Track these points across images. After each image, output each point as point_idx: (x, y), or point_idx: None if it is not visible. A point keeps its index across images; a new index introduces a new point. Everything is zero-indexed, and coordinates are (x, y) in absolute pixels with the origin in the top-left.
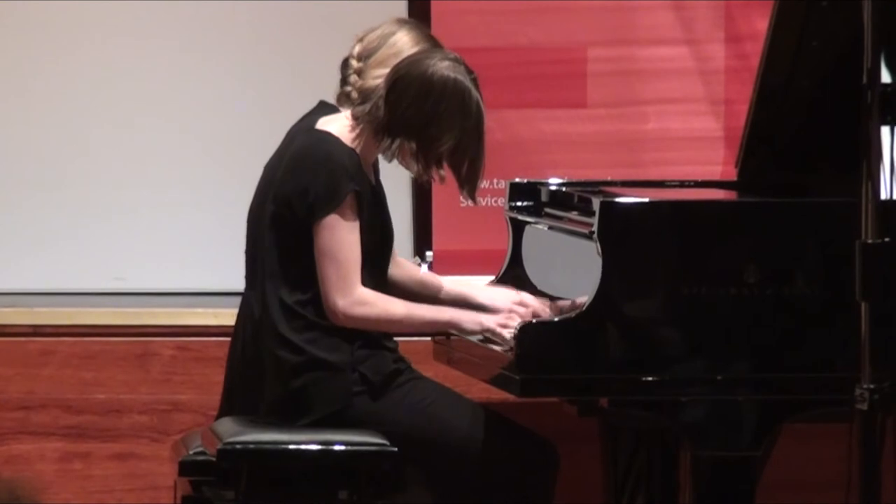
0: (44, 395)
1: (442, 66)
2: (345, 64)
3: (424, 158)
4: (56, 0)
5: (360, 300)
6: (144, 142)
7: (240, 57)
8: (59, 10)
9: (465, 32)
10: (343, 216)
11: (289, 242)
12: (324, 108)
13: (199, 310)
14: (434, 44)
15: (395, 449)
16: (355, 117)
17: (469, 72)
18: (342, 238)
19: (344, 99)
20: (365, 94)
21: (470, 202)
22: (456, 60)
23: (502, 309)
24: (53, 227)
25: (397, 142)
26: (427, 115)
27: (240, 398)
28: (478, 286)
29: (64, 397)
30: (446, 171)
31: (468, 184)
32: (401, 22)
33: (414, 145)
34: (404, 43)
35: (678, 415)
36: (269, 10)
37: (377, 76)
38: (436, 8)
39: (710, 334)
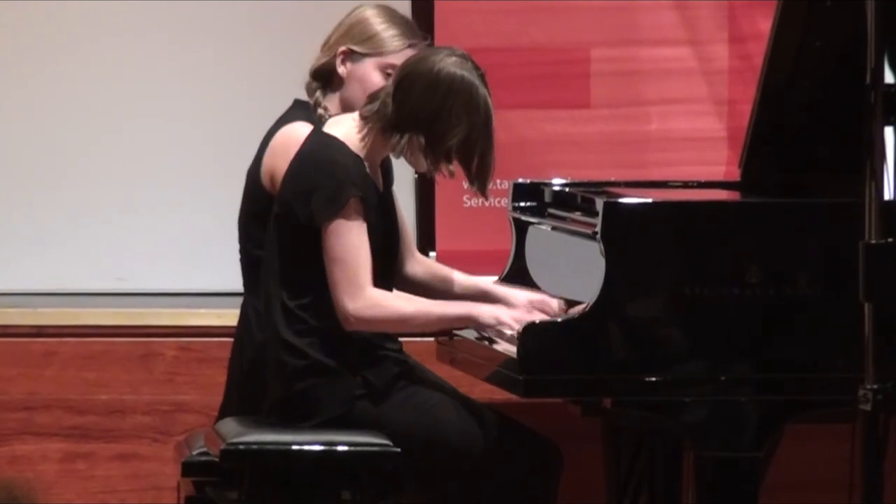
0: (47, 396)
1: (449, 63)
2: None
3: (433, 153)
4: (56, 0)
5: (370, 302)
6: (147, 142)
7: (242, 56)
8: (59, 10)
9: (468, 33)
10: (348, 219)
11: (291, 246)
12: (298, 107)
13: (202, 310)
14: (404, 21)
15: (398, 449)
16: (363, 117)
17: (476, 68)
18: (348, 242)
19: (308, 87)
20: (318, 76)
21: (482, 198)
22: (463, 57)
23: (520, 305)
24: (56, 228)
25: (406, 137)
26: (435, 110)
27: (241, 400)
28: (496, 286)
29: (67, 398)
30: (455, 167)
31: (479, 180)
32: (366, 5)
33: (423, 140)
34: (366, 17)
35: (681, 415)
36: (272, 9)
37: (328, 55)
38: (439, 8)
39: (713, 335)
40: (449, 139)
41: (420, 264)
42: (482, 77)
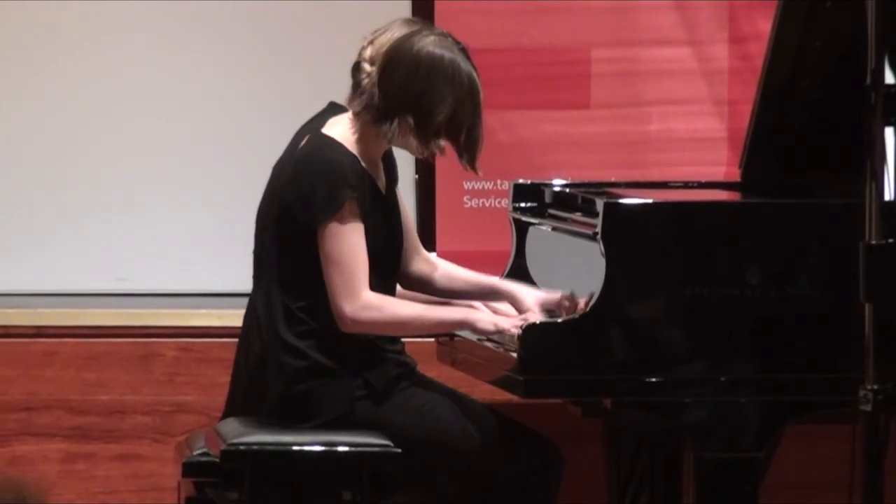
0: (47, 397)
1: (427, 41)
2: (357, 68)
3: (423, 132)
4: (57, 0)
5: (366, 305)
6: (148, 142)
7: (245, 56)
8: (61, 9)
9: (468, 33)
10: (343, 222)
11: (291, 247)
12: (333, 109)
13: (203, 311)
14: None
15: (399, 450)
16: (355, 113)
17: (456, 43)
18: (345, 243)
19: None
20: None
21: (471, 171)
22: (442, 35)
23: (524, 305)
24: (56, 228)
25: (395, 122)
26: (419, 90)
27: (244, 400)
28: (504, 282)
29: (67, 398)
30: (445, 144)
31: (467, 153)
32: (410, 22)
33: (411, 121)
34: None
35: (681, 416)
36: (274, 9)
37: None
38: (439, 8)
39: (713, 335)
40: (435, 117)
41: (427, 262)
42: (464, 51)
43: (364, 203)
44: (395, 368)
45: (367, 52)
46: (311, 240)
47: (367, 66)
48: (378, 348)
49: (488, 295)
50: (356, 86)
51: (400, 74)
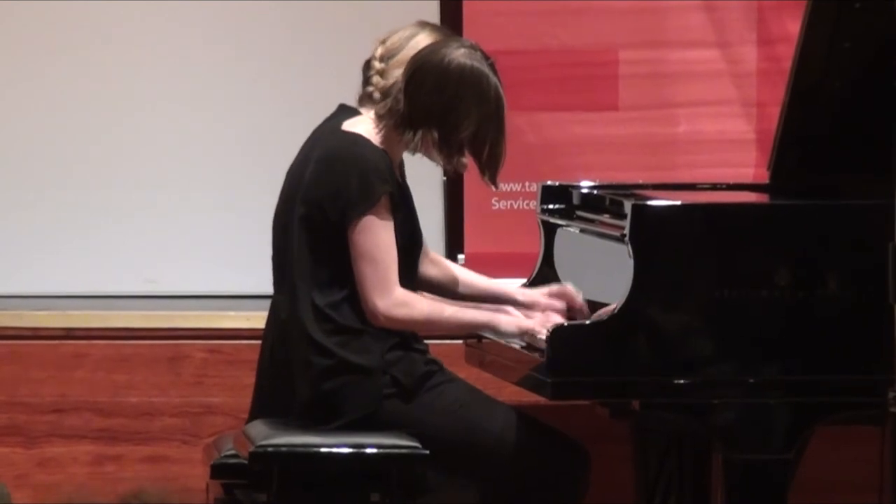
0: (76, 398)
1: (458, 54)
2: (367, 65)
3: (447, 147)
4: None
5: (400, 301)
6: (177, 144)
7: (274, 57)
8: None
9: (496, 34)
10: (378, 217)
11: (320, 245)
12: (344, 112)
13: (231, 313)
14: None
15: (427, 451)
16: (378, 115)
17: (486, 58)
18: (379, 239)
19: (366, 99)
20: (387, 93)
21: (492, 188)
22: (472, 47)
23: (539, 304)
24: (85, 231)
25: (419, 133)
26: (446, 103)
27: (270, 401)
28: (510, 288)
29: (96, 400)
30: (468, 158)
31: (489, 169)
32: (423, 24)
33: (435, 134)
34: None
35: (709, 418)
36: (301, 10)
37: (399, 75)
38: (468, 9)
39: (742, 337)
40: (460, 132)
41: (434, 264)
42: (492, 66)
43: (395, 198)
44: (422, 366)
45: (378, 51)
46: (341, 236)
47: (376, 64)
48: (405, 346)
49: (494, 301)
50: (366, 82)
51: (427, 85)
